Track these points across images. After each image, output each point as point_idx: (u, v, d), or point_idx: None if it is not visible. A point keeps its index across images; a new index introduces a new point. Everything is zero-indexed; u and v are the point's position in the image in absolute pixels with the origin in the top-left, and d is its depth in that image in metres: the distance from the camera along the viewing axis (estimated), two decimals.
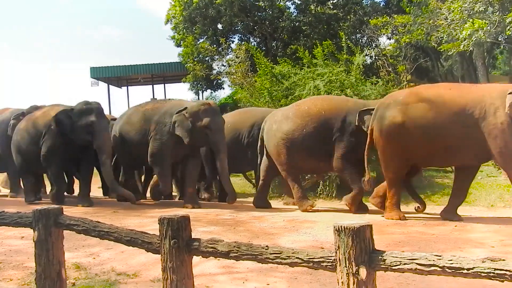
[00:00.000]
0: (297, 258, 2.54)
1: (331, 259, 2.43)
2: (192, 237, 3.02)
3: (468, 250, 5.52)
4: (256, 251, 2.68)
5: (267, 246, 2.67)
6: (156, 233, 3.09)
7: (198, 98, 24.10)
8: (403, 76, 18.58)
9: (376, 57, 20.42)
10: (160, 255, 3.02)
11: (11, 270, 5.16)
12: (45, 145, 10.16)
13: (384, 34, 19.23)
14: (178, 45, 23.37)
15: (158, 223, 3.01)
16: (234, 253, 2.76)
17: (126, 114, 11.20)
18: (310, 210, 8.99)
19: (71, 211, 5.90)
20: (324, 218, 8.10)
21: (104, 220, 3.65)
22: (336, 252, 2.39)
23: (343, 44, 14.64)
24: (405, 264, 2.25)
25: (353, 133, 8.59)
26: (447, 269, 2.15)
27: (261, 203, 9.70)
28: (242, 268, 4.90)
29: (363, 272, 2.32)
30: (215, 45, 21.23)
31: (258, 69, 14.53)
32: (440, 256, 2.19)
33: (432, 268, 2.18)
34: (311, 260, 2.50)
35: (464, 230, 6.80)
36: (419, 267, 2.22)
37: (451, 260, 2.15)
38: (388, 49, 19.18)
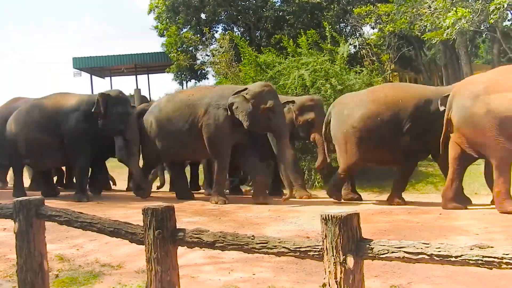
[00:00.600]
0: (283, 247, 2.50)
1: (318, 248, 2.39)
2: (177, 227, 2.97)
3: (453, 238, 5.54)
4: (242, 241, 2.64)
5: (253, 236, 2.63)
6: (141, 224, 3.04)
7: (182, 88, 23.97)
8: (387, 65, 18.71)
9: (360, 47, 20.49)
10: (144, 246, 2.97)
11: None
12: (70, 133, 9.40)
13: (367, 23, 19.28)
14: (162, 35, 23.23)
15: (142, 214, 2.95)
16: (219, 243, 2.71)
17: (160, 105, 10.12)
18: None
19: (55, 203, 5.81)
20: (309, 208, 8.11)
21: (87, 211, 3.58)
22: (323, 241, 2.35)
23: (327, 34, 14.61)
24: (392, 252, 2.21)
25: (432, 123, 7.95)
26: (435, 257, 2.11)
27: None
28: (227, 258, 4.87)
29: (350, 261, 2.29)
30: (198, 35, 21.12)
31: (242, 58, 14.48)
32: (428, 244, 2.16)
33: (420, 256, 2.15)
34: (297, 249, 2.46)
35: (448, 218, 6.83)
36: (406, 255, 2.18)
37: (439, 248, 2.12)
38: (372, 39, 19.24)
